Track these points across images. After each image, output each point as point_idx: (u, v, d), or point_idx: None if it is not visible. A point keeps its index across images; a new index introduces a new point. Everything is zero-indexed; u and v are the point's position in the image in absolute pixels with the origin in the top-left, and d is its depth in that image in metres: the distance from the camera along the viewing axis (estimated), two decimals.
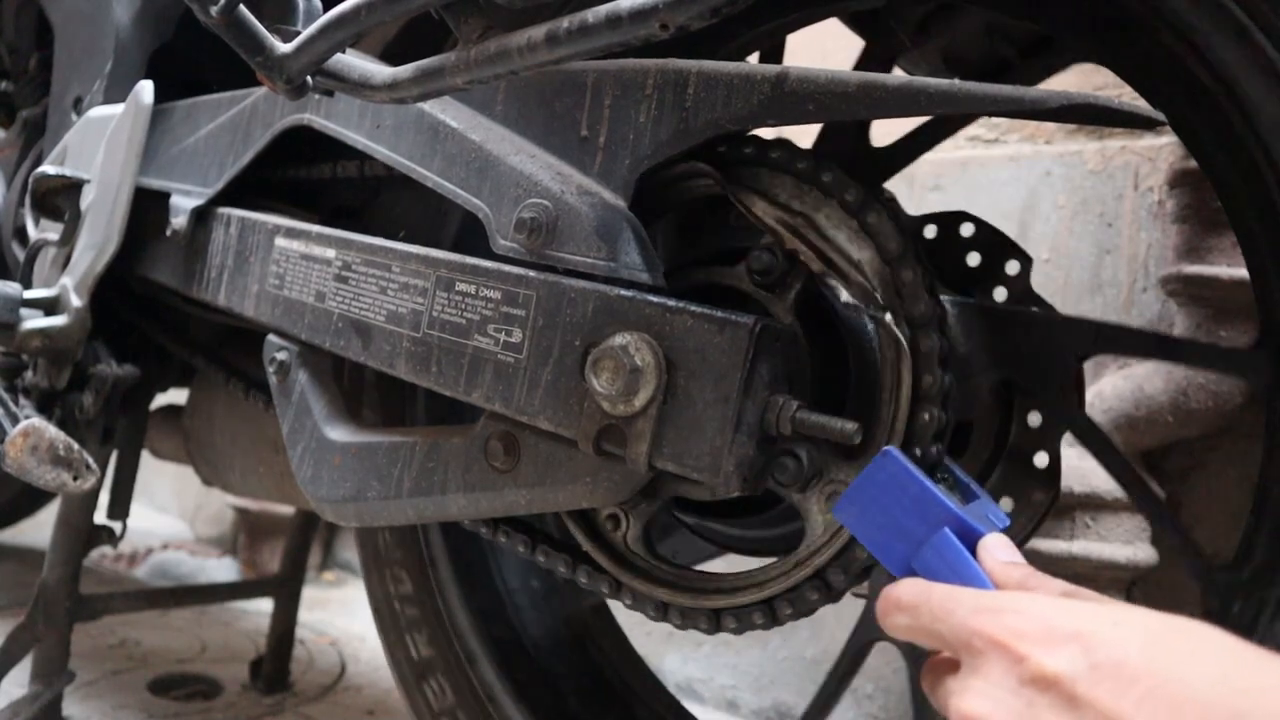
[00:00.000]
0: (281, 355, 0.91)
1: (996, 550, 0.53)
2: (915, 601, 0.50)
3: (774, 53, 0.99)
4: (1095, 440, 0.82)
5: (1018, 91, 0.56)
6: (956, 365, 0.67)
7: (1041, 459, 0.81)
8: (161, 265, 1.12)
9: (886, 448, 0.56)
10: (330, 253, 0.87)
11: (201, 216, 1.05)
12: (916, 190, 1.60)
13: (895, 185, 1.00)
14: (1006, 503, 0.82)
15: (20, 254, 1.29)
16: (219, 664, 1.75)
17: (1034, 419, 0.82)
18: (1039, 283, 0.88)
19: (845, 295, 0.70)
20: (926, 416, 0.62)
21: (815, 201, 0.65)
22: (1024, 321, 0.80)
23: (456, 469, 0.76)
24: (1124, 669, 0.40)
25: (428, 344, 0.76)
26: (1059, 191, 1.47)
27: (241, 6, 0.67)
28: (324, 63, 0.68)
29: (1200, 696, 0.38)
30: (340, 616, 2.17)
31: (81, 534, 1.31)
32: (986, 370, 0.80)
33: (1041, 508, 0.80)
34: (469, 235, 0.91)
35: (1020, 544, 0.67)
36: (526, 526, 0.82)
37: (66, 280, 1.13)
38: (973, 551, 0.53)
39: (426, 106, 0.80)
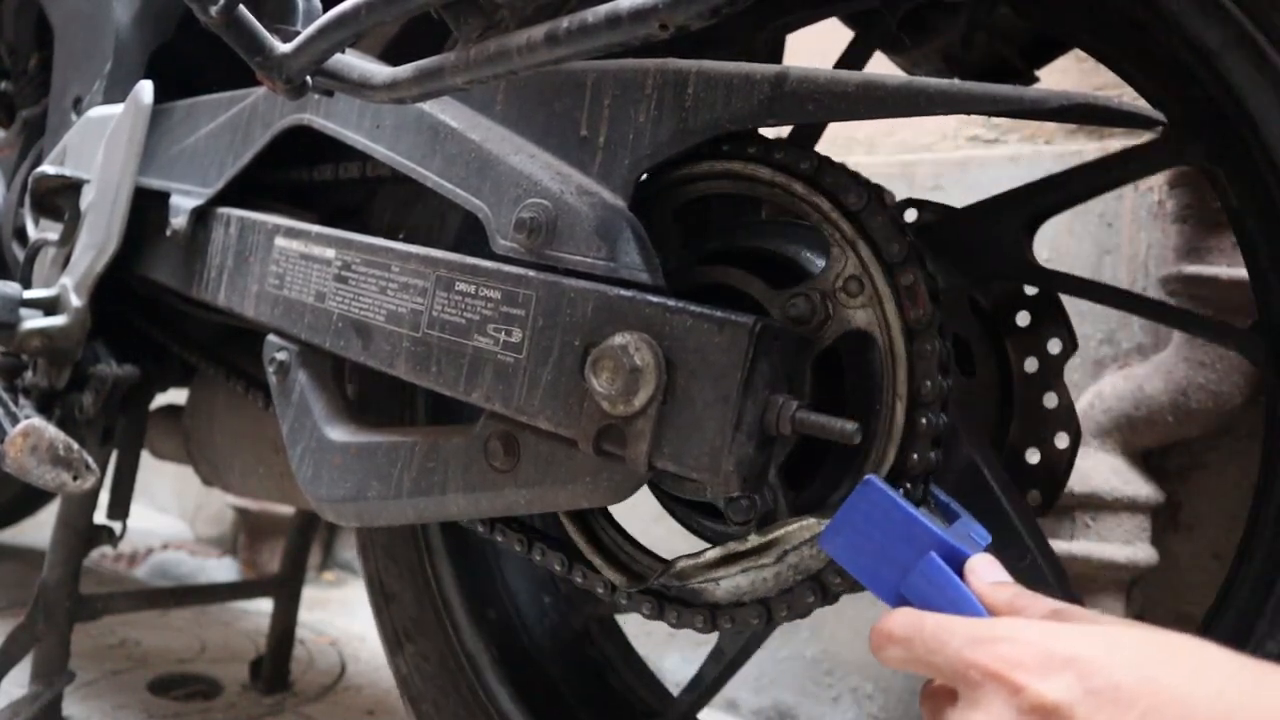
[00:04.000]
0: (281, 355, 0.91)
1: (983, 571, 0.53)
2: (908, 634, 0.50)
3: (774, 52, 0.99)
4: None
5: (1017, 91, 0.56)
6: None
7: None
8: (161, 265, 1.12)
9: (868, 476, 0.56)
10: (330, 253, 0.87)
11: (201, 216, 1.05)
12: (916, 190, 1.60)
13: (895, 185, 1.00)
14: None
15: (20, 254, 1.29)
16: (219, 664, 1.75)
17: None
18: None
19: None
20: (928, 346, 0.62)
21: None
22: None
23: (456, 469, 0.75)
24: (1120, 692, 0.40)
25: (428, 344, 0.76)
26: None
27: (241, 6, 0.67)
28: (324, 63, 0.68)
29: (1199, 716, 0.38)
30: (340, 616, 2.17)
31: (81, 534, 1.31)
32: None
33: None
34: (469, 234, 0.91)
35: None
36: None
37: (66, 280, 1.13)
38: (960, 573, 0.53)
39: (426, 106, 0.80)
